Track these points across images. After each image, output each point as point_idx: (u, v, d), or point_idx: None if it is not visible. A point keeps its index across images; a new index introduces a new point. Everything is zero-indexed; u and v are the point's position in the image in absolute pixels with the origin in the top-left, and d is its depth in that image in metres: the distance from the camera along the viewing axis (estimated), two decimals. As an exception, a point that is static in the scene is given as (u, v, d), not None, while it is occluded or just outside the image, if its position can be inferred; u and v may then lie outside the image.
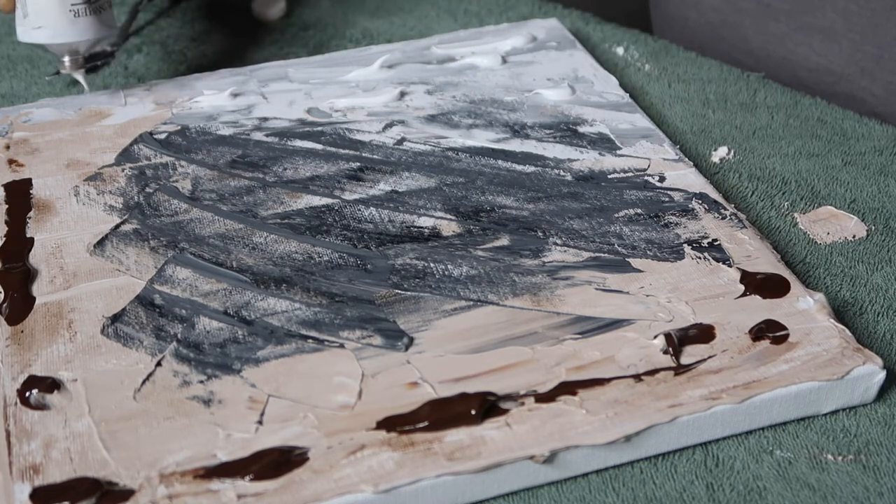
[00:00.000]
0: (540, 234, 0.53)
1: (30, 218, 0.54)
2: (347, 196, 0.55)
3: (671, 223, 0.53)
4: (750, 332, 0.47)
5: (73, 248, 0.52)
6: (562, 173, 0.57)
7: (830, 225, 0.56)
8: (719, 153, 0.61)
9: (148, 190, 0.56)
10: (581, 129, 0.61)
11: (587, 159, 0.58)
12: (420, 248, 0.52)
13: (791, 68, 0.71)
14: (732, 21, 0.74)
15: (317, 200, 0.55)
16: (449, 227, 0.53)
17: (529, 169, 0.57)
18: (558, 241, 0.52)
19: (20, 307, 0.48)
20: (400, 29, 0.75)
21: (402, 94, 0.64)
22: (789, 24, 0.70)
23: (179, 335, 0.47)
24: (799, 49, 0.70)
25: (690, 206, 0.54)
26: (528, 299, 0.49)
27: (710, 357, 0.45)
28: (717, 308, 0.48)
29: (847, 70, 0.69)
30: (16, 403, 0.44)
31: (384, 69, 0.66)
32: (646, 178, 0.57)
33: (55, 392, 0.44)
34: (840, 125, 0.63)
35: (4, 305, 0.48)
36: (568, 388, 0.44)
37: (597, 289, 0.49)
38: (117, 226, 0.53)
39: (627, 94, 0.64)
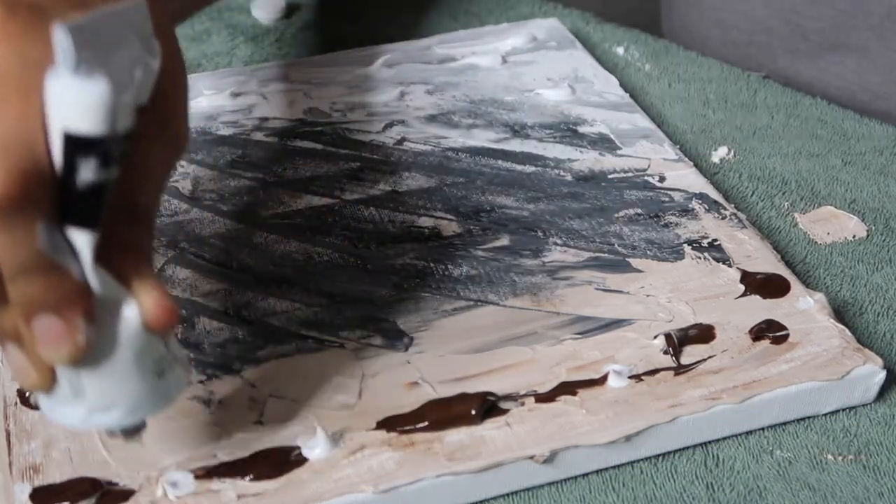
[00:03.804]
0: (540, 234, 0.53)
1: (30, 218, 0.54)
2: (347, 196, 0.55)
3: (671, 223, 0.53)
4: (750, 332, 0.47)
5: (73, 248, 0.52)
6: (562, 173, 0.57)
7: (830, 225, 0.56)
8: (719, 153, 0.61)
9: (148, 190, 0.56)
10: (581, 129, 0.61)
11: (587, 159, 0.58)
12: (420, 248, 0.52)
13: (822, 87, 0.70)
14: (759, 41, 0.73)
15: (317, 200, 0.55)
16: (449, 227, 0.53)
17: (529, 169, 0.57)
18: (558, 241, 0.52)
19: (20, 307, 0.48)
20: (400, 29, 0.75)
21: (402, 94, 0.64)
22: (821, 42, 0.69)
23: (179, 335, 0.47)
24: (831, 68, 0.69)
25: (690, 206, 0.54)
26: (528, 299, 0.49)
27: (710, 357, 0.45)
28: (717, 308, 0.48)
29: (883, 88, 0.68)
30: (16, 403, 0.44)
31: (384, 69, 0.66)
32: (646, 178, 0.57)
33: (55, 392, 0.44)
34: (840, 125, 0.63)
35: (4, 305, 0.48)
36: (568, 388, 0.44)
37: (597, 289, 0.49)
38: (117, 226, 0.53)
39: (627, 94, 0.64)
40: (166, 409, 0.38)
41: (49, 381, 0.36)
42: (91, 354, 0.35)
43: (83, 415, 0.37)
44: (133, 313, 0.35)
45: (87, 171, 0.31)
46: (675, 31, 0.81)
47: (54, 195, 0.32)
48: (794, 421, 0.45)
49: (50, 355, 0.35)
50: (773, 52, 0.72)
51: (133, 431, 0.38)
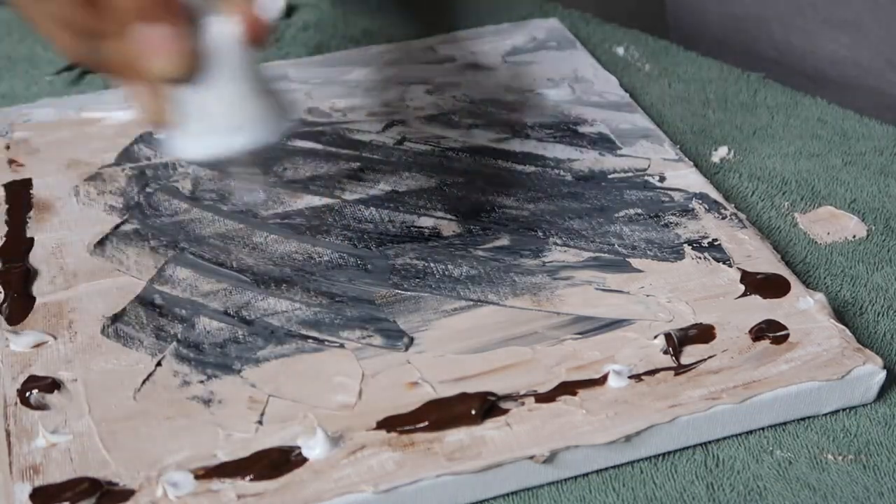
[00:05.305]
0: (540, 234, 0.53)
1: (30, 218, 0.54)
2: (347, 196, 0.55)
3: (671, 223, 0.53)
4: (750, 332, 0.47)
5: (73, 248, 0.52)
6: (562, 173, 0.57)
7: (830, 225, 0.56)
8: (719, 153, 0.61)
9: (148, 190, 0.56)
10: (581, 129, 0.61)
11: (587, 159, 0.58)
12: (420, 247, 0.52)
13: (815, 61, 0.70)
14: (756, 13, 0.73)
15: (317, 200, 0.55)
16: (449, 227, 0.53)
17: (529, 169, 0.57)
18: (558, 241, 0.52)
19: (20, 307, 0.48)
20: (400, 29, 0.75)
21: (403, 94, 0.64)
22: (815, 16, 0.70)
23: (179, 335, 0.47)
24: (824, 42, 0.70)
25: (690, 206, 0.54)
26: (528, 299, 0.49)
27: (710, 357, 0.45)
28: (717, 308, 0.48)
29: (874, 63, 0.68)
30: (16, 403, 0.44)
31: (384, 69, 0.66)
32: (646, 178, 0.57)
33: (55, 392, 0.44)
34: (840, 125, 0.63)
35: (4, 305, 0.48)
36: (568, 388, 0.44)
37: (597, 289, 0.49)
38: (117, 226, 0.53)
39: (627, 94, 0.64)
40: (287, 129, 0.41)
41: (166, 106, 0.39)
42: (203, 73, 0.38)
43: (218, 141, 0.40)
44: (229, 26, 0.38)
45: None
46: (678, 5, 0.81)
47: None
48: (794, 421, 0.45)
49: (162, 66, 0.37)
50: (768, 26, 0.72)
51: (248, 159, 0.42)
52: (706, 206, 0.54)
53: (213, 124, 0.40)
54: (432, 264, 0.51)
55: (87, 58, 0.40)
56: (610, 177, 0.57)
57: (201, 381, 0.45)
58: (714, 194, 0.55)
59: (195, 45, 0.38)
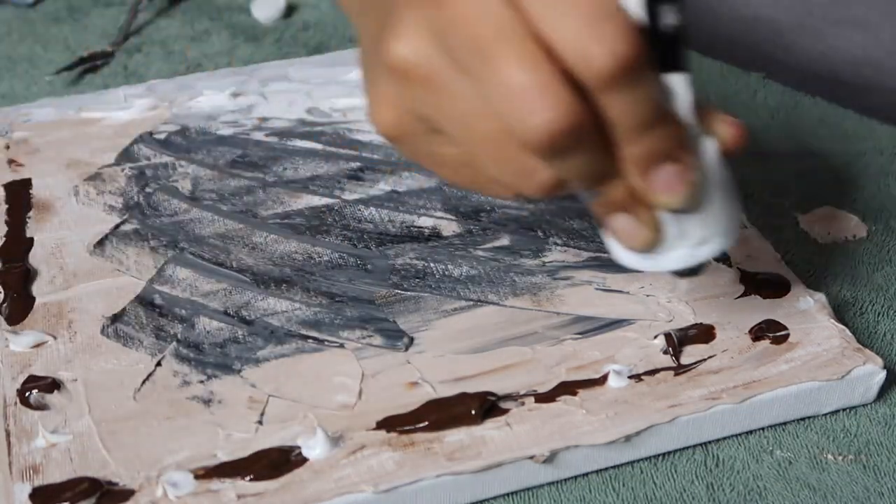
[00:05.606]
0: (540, 234, 0.53)
1: (29, 218, 0.54)
2: (347, 196, 0.55)
3: (671, 223, 0.53)
4: (750, 332, 0.47)
5: (73, 248, 0.52)
6: (562, 173, 0.57)
7: (830, 225, 0.56)
8: (719, 153, 0.61)
9: (148, 190, 0.56)
10: (581, 129, 0.61)
11: (587, 159, 0.58)
12: (420, 247, 0.52)
13: (829, 63, 0.70)
14: (766, 16, 0.73)
15: (317, 200, 0.55)
16: (449, 226, 0.53)
17: (529, 169, 0.57)
18: (558, 241, 0.52)
19: (20, 307, 0.48)
20: (400, 29, 0.75)
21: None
22: (825, 18, 0.69)
23: (179, 335, 0.47)
24: (837, 43, 0.69)
25: (690, 206, 0.54)
26: (528, 299, 0.49)
27: (710, 357, 0.45)
28: (717, 308, 0.48)
29: (889, 62, 0.68)
30: (16, 403, 0.44)
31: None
32: (646, 178, 0.57)
33: (55, 392, 0.44)
34: (840, 125, 0.63)
35: (4, 305, 0.48)
36: (568, 388, 0.44)
37: (597, 289, 0.49)
38: (117, 226, 0.53)
39: (627, 94, 0.64)
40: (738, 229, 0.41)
41: (660, 232, 0.39)
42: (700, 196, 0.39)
43: (684, 254, 0.40)
44: (714, 144, 0.39)
45: (669, 16, 0.36)
46: (687, 7, 0.81)
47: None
48: (794, 421, 0.45)
49: (668, 201, 0.37)
50: (779, 27, 0.72)
51: (699, 268, 0.42)
52: (706, 206, 0.54)
53: (688, 239, 0.40)
54: (432, 264, 0.51)
55: (568, 192, 0.39)
56: (610, 177, 0.57)
57: (201, 381, 0.45)
58: (714, 194, 0.55)
59: (700, 175, 0.38)
